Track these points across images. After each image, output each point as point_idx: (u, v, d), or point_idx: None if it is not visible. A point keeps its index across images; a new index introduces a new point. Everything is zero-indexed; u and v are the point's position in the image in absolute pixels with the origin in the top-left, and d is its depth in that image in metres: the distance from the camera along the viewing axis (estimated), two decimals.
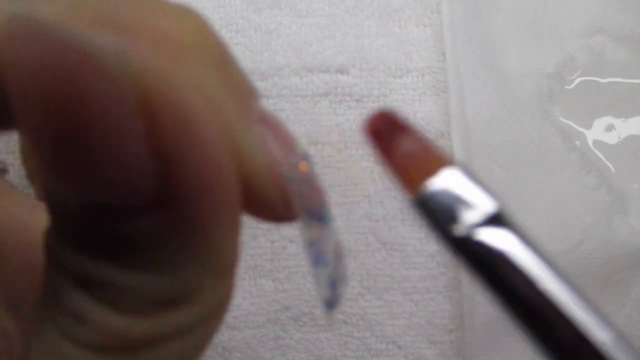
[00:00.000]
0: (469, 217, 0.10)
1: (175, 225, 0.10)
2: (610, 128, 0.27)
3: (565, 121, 0.27)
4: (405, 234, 0.27)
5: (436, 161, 0.10)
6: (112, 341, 0.10)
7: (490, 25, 0.28)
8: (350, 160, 0.28)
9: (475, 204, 0.10)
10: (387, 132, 0.10)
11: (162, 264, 0.10)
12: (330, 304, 0.12)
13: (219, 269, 0.11)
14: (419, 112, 0.28)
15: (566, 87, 0.28)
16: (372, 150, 0.10)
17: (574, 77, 0.28)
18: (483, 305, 0.26)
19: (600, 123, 0.27)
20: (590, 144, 0.27)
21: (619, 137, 0.27)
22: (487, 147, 0.27)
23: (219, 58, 0.11)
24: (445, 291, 0.27)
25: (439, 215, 0.10)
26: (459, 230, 0.10)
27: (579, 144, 0.27)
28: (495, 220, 0.10)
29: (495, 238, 0.10)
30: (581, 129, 0.27)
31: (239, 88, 0.11)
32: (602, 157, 0.27)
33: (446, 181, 0.10)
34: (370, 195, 0.27)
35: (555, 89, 0.28)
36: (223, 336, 0.26)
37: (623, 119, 0.27)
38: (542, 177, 0.27)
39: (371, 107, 0.28)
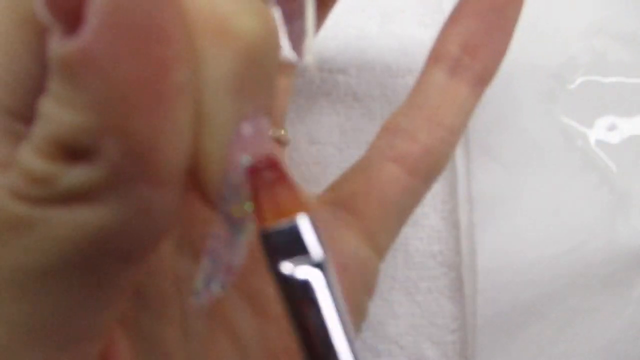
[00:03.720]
0: (299, 259, 0.12)
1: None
2: (612, 128, 0.27)
3: (567, 121, 0.27)
4: (406, 234, 0.27)
5: (292, 206, 0.12)
6: (30, 188, 0.11)
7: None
8: (352, 160, 0.28)
9: (309, 249, 0.12)
10: (265, 173, 0.12)
11: (79, 101, 0.10)
12: (197, 297, 0.12)
13: (135, 148, 0.10)
14: None
15: (568, 86, 0.28)
16: (247, 183, 0.12)
17: (576, 76, 0.28)
18: (485, 306, 0.26)
19: (603, 123, 0.27)
20: (592, 144, 0.27)
21: (621, 137, 0.27)
22: (488, 147, 0.27)
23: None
24: (447, 292, 0.27)
25: (276, 250, 0.12)
26: (286, 267, 0.12)
27: (580, 143, 0.27)
28: (319, 267, 0.12)
29: (310, 279, 0.12)
30: (583, 129, 0.27)
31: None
32: (604, 156, 0.27)
33: (293, 225, 0.12)
34: None
35: (557, 89, 0.28)
36: None
37: (626, 119, 0.27)
38: (543, 177, 0.27)
39: (372, 107, 0.28)
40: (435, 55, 0.21)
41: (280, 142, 0.21)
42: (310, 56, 0.15)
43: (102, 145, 0.10)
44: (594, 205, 0.26)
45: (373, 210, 0.20)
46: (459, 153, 0.27)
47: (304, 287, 0.12)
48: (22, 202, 0.11)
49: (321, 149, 0.28)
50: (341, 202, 0.20)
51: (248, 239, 0.12)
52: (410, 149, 0.20)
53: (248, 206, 0.12)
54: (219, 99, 0.11)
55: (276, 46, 0.12)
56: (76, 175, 0.10)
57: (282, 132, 0.21)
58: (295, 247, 0.12)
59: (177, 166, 0.11)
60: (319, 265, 0.12)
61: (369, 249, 0.20)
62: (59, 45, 0.10)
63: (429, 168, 0.20)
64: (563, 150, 0.27)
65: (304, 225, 0.12)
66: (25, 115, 0.12)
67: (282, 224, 0.12)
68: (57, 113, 0.10)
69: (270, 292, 0.19)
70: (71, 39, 0.10)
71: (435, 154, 0.20)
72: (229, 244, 0.12)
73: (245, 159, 0.11)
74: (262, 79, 0.11)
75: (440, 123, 0.20)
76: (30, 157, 0.11)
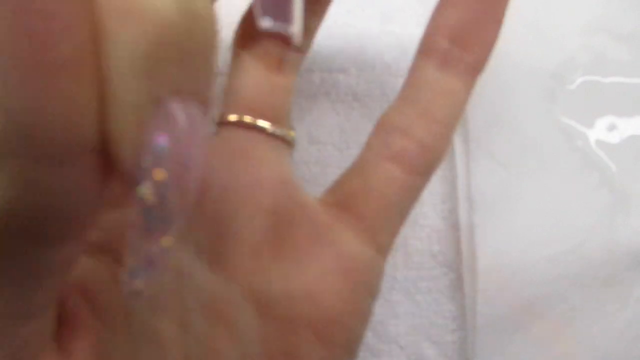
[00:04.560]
0: None
1: None
2: (612, 127, 0.27)
3: (567, 121, 0.27)
4: (406, 234, 0.27)
5: None
6: None
7: None
8: (351, 160, 0.28)
9: None
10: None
11: None
12: (124, 288, 0.12)
13: (17, 121, 0.10)
14: None
15: (568, 86, 0.28)
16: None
17: (576, 76, 0.28)
18: (485, 305, 0.26)
19: (602, 122, 0.27)
20: (592, 144, 0.27)
21: (621, 137, 0.27)
22: (488, 147, 0.27)
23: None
24: (447, 291, 0.27)
25: None
26: None
27: (580, 143, 0.27)
28: None
29: None
30: (583, 129, 0.27)
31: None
32: (604, 156, 0.27)
33: None
34: None
35: (557, 89, 0.27)
36: None
37: (625, 119, 0.27)
38: (543, 177, 0.27)
39: (372, 106, 0.28)
40: (425, 49, 0.21)
41: (286, 141, 0.21)
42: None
43: None
44: (593, 205, 0.26)
45: (372, 209, 0.20)
46: (458, 153, 0.27)
47: None
48: None
49: (321, 149, 0.28)
50: (340, 203, 0.20)
51: (166, 228, 0.11)
52: (406, 146, 0.20)
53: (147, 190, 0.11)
54: (125, 79, 0.10)
55: (205, 29, 0.11)
56: None
57: (290, 132, 0.21)
58: None
59: (71, 144, 0.10)
60: None
61: (371, 249, 0.20)
62: None
63: (426, 164, 0.20)
64: (563, 150, 0.27)
65: None
66: None
67: None
68: None
69: (275, 293, 0.19)
70: None
71: (432, 149, 0.20)
72: (145, 233, 0.11)
73: (156, 143, 0.10)
74: (184, 61, 0.11)
75: (434, 118, 0.20)
76: None
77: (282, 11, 0.14)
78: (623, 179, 0.27)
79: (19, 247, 0.11)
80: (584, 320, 0.26)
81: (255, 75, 0.20)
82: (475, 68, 0.21)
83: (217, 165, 0.20)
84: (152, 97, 0.10)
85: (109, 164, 0.11)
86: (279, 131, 0.21)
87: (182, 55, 0.10)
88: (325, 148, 0.28)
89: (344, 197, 0.20)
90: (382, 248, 0.20)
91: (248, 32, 0.21)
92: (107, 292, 0.17)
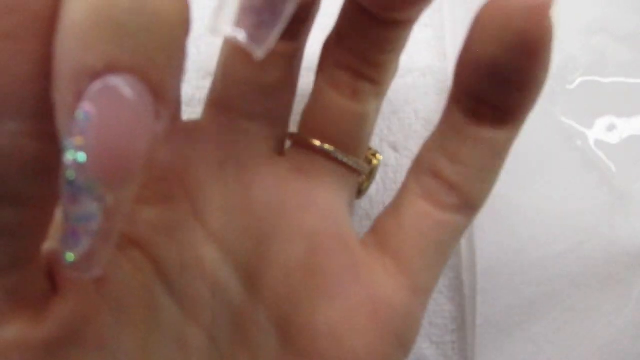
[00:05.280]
0: None
1: None
2: (611, 128, 0.27)
3: (567, 121, 0.27)
4: None
5: None
6: None
7: None
8: None
9: None
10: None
11: None
12: (59, 257, 0.12)
13: None
14: (420, 112, 0.28)
15: (567, 86, 0.28)
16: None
17: (575, 76, 0.28)
18: (485, 305, 0.26)
19: (602, 123, 0.27)
20: (592, 144, 0.27)
21: (621, 137, 0.27)
22: None
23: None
24: (446, 291, 0.27)
25: None
26: None
27: (580, 143, 0.27)
28: None
29: None
30: (582, 129, 0.27)
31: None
32: (603, 156, 0.27)
33: None
34: (372, 195, 0.27)
35: (557, 89, 0.28)
36: None
37: (625, 119, 0.27)
38: (543, 177, 0.27)
39: None
40: (454, 94, 0.19)
41: (352, 169, 0.21)
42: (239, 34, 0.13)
43: None
44: (593, 205, 0.26)
45: (408, 247, 0.19)
46: None
47: None
48: None
49: None
50: (377, 244, 0.20)
51: (88, 197, 0.11)
52: (437, 185, 0.19)
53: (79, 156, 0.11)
54: (63, 49, 0.11)
55: (160, 12, 0.11)
56: None
57: (360, 161, 0.21)
58: None
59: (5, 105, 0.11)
60: None
61: (408, 293, 0.19)
62: None
63: (460, 201, 0.19)
64: (562, 151, 0.27)
65: None
66: None
67: None
68: None
69: (300, 323, 0.19)
70: None
71: (463, 188, 0.19)
72: (67, 199, 0.11)
73: (81, 111, 0.11)
74: (124, 39, 0.11)
75: (463, 162, 0.19)
76: None
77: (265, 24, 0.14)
78: (622, 179, 0.27)
79: None
80: (584, 320, 0.26)
81: (329, 100, 0.20)
82: (511, 113, 0.18)
83: (271, 183, 0.20)
84: (87, 68, 0.11)
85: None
86: (345, 158, 0.20)
87: (123, 30, 0.11)
88: None
89: (379, 237, 0.20)
90: (420, 290, 0.19)
91: (325, 57, 0.20)
92: (123, 283, 0.17)
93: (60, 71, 0.11)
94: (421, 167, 0.20)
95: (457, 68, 0.18)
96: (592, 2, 0.28)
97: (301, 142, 0.20)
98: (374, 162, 0.21)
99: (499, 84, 0.17)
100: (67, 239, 0.12)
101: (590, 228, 0.26)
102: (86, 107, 0.11)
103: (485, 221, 0.26)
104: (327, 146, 0.20)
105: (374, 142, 0.27)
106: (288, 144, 0.21)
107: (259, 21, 0.13)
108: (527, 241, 0.26)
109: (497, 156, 0.19)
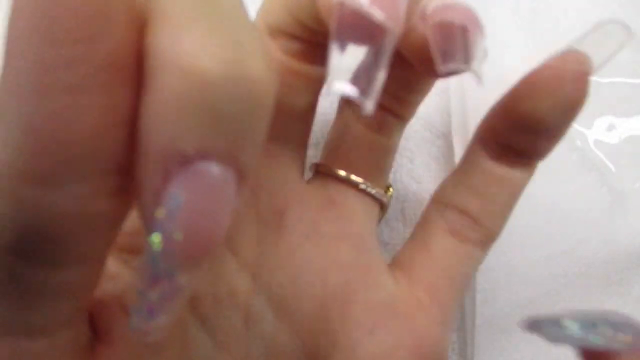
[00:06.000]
0: None
1: None
2: (611, 128, 0.27)
3: None
4: (405, 235, 0.27)
5: None
6: None
7: (491, 25, 0.28)
8: None
9: None
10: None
11: None
12: (131, 327, 0.12)
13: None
14: (420, 111, 0.27)
15: None
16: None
17: None
18: (484, 305, 0.26)
19: (601, 123, 0.27)
20: (591, 144, 0.27)
21: (620, 137, 0.27)
22: None
23: None
24: None
25: None
26: None
27: (579, 143, 0.27)
28: None
29: None
30: (582, 129, 0.27)
31: None
32: (602, 156, 0.27)
33: None
34: None
35: None
36: None
37: (624, 119, 0.27)
38: (542, 177, 0.27)
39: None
40: (482, 137, 0.20)
41: (376, 199, 0.21)
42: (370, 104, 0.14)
43: None
44: (592, 205, 0.26)
45: (440, 283, 0.20)
46: (458, 153, 0.27)
47: None
48: None
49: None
50: (407, 277, 0.20)
51: (171, 280, 0.11)
52: (463, 220, 0.20)
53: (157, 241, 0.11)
54: (155, 127, 0.10)
55: (254, 96, 0.10)
56: None
57: (382, 191, 0.21)
58: None
59: (84, 165, 0.10)
60: None
61: (440, 326, 0.20)
62: None
63: (482, 237, 0.20)
64: (562, 150, 0.27)
65: None
66: None
67: None
68: None
69: (340, 358, 0.18)
70: None
71: (486, 224, 0.20)
72: (149, 278, 0.11)
73: (172, 197, 0.10)
74: (219, 124, 0.10)
75: (487, 199, 0.20)
76: None
77: (364, 81, 0.14)
78: (622, 179, 0.27)
79: (21, 267, 0.11)
80: None
81: (355, 131, 0.20)
82: (535, 157, 0.20)
83: (305, 213, 0.20)
84: (178, 152, 0.10)
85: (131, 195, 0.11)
86: (370, 189, 0.20)
87: (218, 117, 0.10)
88: None
89: (408, 270, 0.20)
90: (449, 323, 0.20)
91: None
92: None
93: (147, 151, 0.10)
94: (444, 202, 0.21)
95: (493, 118, 0.20)
96: (591, 2, 0.28)
97: (327, 172, 0.21)
98: (389, 193, 0.22)
99: (538, 135, 0.19)
100: (142, 312, 0.12)
101: (590, 228, 0.26)
102: (176, 192, 0.10)
103: None
104: (354, 177, 0.20)
105: None
106: (308, 173, 0.21)
107: (369, 77, 0.13)
108: (526, 241, 0.26)
109: (517, 194, 0.20)
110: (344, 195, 0.20)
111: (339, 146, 0.21)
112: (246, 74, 0.10)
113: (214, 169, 0.10)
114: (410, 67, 0.18)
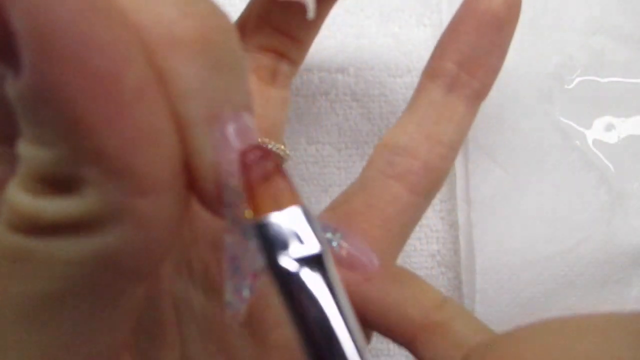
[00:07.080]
0: (295, 251, 0.12)
1: (42, 93, 0.10)
2: (610, 128, 0.27)
3: (565, 121, 0.27)
4: None
5: (287, 199, 0.12)
6: (21, 221, 0.11)
7: None
8: (350, 160, 0.28)
9: (305, 241, 0.12)
10: (257, 166, 0.12)
11: (46, 137, 0.10)
12: (231, 307, 0.12)
13: (112, 166, 0.10)
14: None
15: (566, 86, 0.28)
16: (240, 174, 0.12)
17: (574, 76, 0.28)
18: (484, 305, 0.26)
19: (600, 122, 0.27)
20: (590, 144, 0.27)
21: (619, 137, 0.27)
22: (486, 147, 0.27)
23: (218, 59, 0.11)
24: (445, 291, 0.27)
25: (272, 242, 0.12)
26: (283, 259, 0.12)
27: (578, 143, 0.27)
28: (316, 259, 0.12)
29: (308, 274, 0.12)
30: (581, 129, 0.27)
31: (231, 94, 0.11)
32: (602, 156, 0.27)
33: (287, 217, 0.12)
34: None
35: (555, 89, 0.28)
36: None
37: (623, 119, 0.27)
38: (541, 177, 0.27)
39: (370, 106, 0.28)
40: (432, 71, 0.21)
41: (280, 157, 0.21)
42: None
43: (82, 172, 0.10)
44: (591, 204, 0.26)
45: (375, 229, 0.20)
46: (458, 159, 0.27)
47: (301, 280, 0.12)
48: (17, 233, 0.11)
49: (320, 149, 0.28)
50: (342, 221, 0.20)
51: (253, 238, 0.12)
52: (411, 167, 0.20)
53: (248, 212, 0.12)
54: (190, 108, 0.11)
55: (231, 37, 0.11)
56: (60, 206, 0.10)
57: (282, 147, 0.21)
58: (291, 239, 0.12)
59: (161, 171, 0.11)
60: (317, 257, 0.12)
61: None
62: (11, 88, 0.10)
63: (429, 185, 0.20)
64: (561, 150, 0.27)
65: (301, 217, 0.12)
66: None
67: (278, 215, 0.12)
68: (31, 152, 0.10)
69: (271, 320, 0.19)
70: (18, 78, 0.10)
71: (436, 170, 0.20)
72: (246, 248, 0.12)
73: (235, 159, 0.11)
74: (229, 75, 0.11)
75: (439, 140, 0.20)
76: (16, 192, 0.11)
77: None
78: (621, 179, 0.27)
79: (112, 286, 0.11)
80: None
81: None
82: (480, 93, 0.21)
83: None
84: (219, 118, 0.11)
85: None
86: (270, 144, 0.20)
87: (227, 68, 0.11)
88: (324, 148, 0.28)
89: (345, 215, 0.20)
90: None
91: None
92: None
93: (193, 130, 0.11)
94: (394, 145, 0.20)
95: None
96: (590, 2, 0.28)
97: None
98: (284, 147, 0.22)
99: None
100: (245, 284, 0.12)
101: (589, 227, 0.26)
102: (230, 180, 0.12)
103: (484, 221, 0.26)
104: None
105: (374, 142, 0.27)
106: None
107: None
108: (526, 241, 0.26)
109: (464, 135, 0.21)
110: None
111: None
112: (217, 18, 0.11)
113: (246, 118, 0.12)
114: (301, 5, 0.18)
